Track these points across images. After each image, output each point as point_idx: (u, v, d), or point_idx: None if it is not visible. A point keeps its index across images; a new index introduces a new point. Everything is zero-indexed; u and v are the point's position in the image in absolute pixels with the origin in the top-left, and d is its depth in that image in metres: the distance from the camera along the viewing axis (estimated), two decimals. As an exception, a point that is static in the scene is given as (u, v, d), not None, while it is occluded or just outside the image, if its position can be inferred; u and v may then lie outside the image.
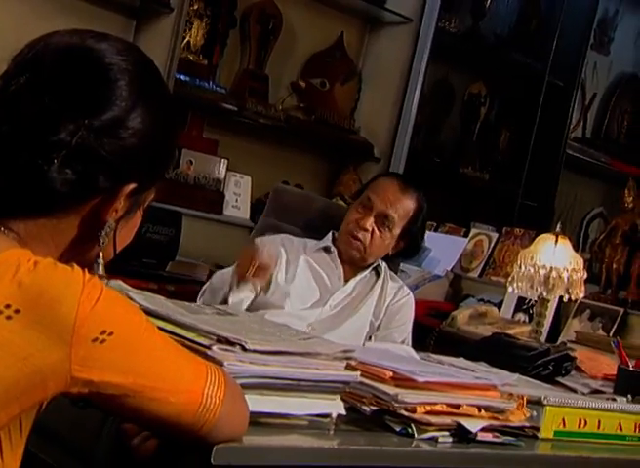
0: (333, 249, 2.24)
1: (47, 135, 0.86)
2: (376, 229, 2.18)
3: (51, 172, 0.86)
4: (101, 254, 0.94)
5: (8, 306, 0.80)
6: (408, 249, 2.28)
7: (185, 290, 2.70)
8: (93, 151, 0.87)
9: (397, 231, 2.21)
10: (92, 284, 0.84)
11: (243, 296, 2.06)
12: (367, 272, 2.25)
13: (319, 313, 2.16)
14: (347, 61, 3.86)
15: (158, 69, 0.97)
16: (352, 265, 2.24)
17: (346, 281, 2.23)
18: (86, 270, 0.86)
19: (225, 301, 2.02)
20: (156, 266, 2.91)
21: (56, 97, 0.87)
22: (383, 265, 2.27)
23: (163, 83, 0.98)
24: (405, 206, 2.21)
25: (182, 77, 3.25)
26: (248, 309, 2.14)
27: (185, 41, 3.32)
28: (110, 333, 0.83)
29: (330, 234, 2.28)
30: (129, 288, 1.26)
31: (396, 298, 2.24)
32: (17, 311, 0.80)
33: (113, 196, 0.91)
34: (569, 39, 4.29)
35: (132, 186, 0.91)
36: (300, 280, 2.18)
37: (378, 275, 2.26)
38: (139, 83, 0.91)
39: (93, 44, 0.90)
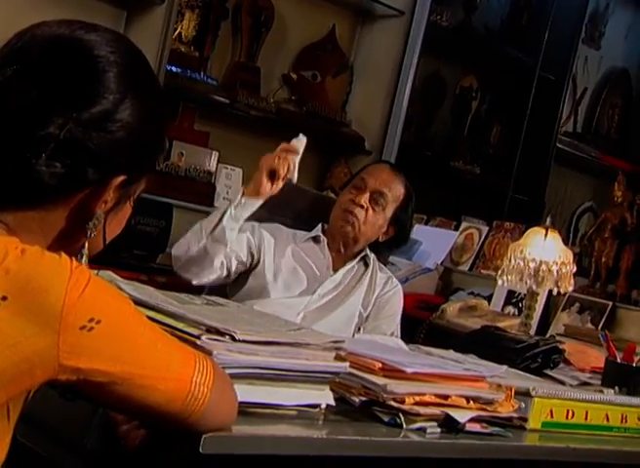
0: (322, 238, 2.25)
1: (35, 128, 0.85)
2: (369, 207, 2.20)
3: (39, 165, 0.86)
4: (86, 245, 0.94)
5: (-5, 294, 0.80)
6: (397, 237, 2.30)
7: (175, 282, 2.69)
8: (81, 144, 0.87)
9: (389, 213, 2.23)
10: (79, 271, 0.84)
11: (238, 225, 2.01)
12: (355, 262, 2.26)
13: (308, 302, 2.17)
14: (339, 54, 3.86)
15: (147, 61, 0.97)
16: (341, 254, 2.24)
17: (335, 271, 2.24)
18: (74, 258, 0.85)
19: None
20: (147, 258, 2.91)
21: (43, 89, 0.86)
22: (372, 256, 2.28)
23: (152, 74, 0.97)
24: (397, 188, 2.25)
25: (174, 69, 3.24)
26: (234, 293, 2.13)
27: (177, 32, 3.31)
28: (98, 321, 0.83)
29: (319, 225, 2.28)
30: (118, 278, 1.25)
31: (385, 289, 2.25)
32: (4, 298, 0.80)
33: (102, 188, 0.91)
34: (560, 33, 4.29)
35: (121, 178, 0.91)
36: (288, 268, 2.18)
37: (366, 266, 2.27)
38: (128, 75, 0.91)
39: (81, 35, 0.90)
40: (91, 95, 0.88)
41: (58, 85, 0.87)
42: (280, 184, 2.01)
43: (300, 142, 2.01)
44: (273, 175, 1.99)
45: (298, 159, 2.00)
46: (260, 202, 2.02)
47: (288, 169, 1.99)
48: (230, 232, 2.00)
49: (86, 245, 0.93)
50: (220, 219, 1.99)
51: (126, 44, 0.94)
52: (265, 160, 2.00)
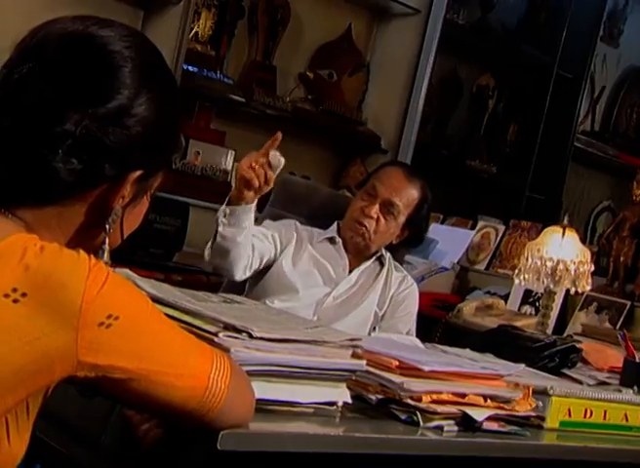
0: (338, 239, 2.24)
1: (51, 125, 0.86)
2: (381, 217, 2.18)
3: (56, 161, 0.86)
4: (107, 241, 0.94)
5: (15, 290, 0.81)
6: (412, 238, 2.28)
7: (192, 280, 2.71)
8: (98, 140, 0.87)
9: (402, 219, 2.21)
10: (98, 268, 0.84)
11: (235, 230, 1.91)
12: (371, 262, 2.25)
13: (323, 304, 2.16)
14: (355, 53, 3.86)
15: (162, 55, 0.97)
16: (357, 255, 2.24)
17: (350, 271, 2.23)
18: (92, 255, 0.86)
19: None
20: (163, 256, 2.92)
21: (59, 86, 0.86)
22: (387, 255, 2.27)
23: (167, 69, 0.97)
24: (410, 194, 2.21)
25: (190, 68, 3.25)
26: (250, 292, 2.14)
27: (193, 32, 3.32)
28: (116, 318, 0.84)
29: (335, 224, 2.28)
30: (136, 276, 1.26)
31: (400, 288, 2.24)
32: (23, 295, 0.81)
33: (119, 183, 0.91)
34: (578, 31, 4.27)
35: (138, 173, 0.91)
36: (304, 270, 2.18)
37: (382, 265, 2.26)
38: (142, 70, 0.91)
39: (95, 31, 0.90)
40: (106, 90, 0.88)
41: (73, 81, 0.87)
42: (262, 192, 1.89)
43: (277, 158, 1.87)
44: (252, 185, 1.85)
45: (275, 172, 1.87)
46: (249, 207, 1.90)
47: (266, 178, 1.85)
48: (239, 237, 1.93)
49: (106, 240, 0.93)
50: (215, 236, 1.93)
51: (140, 39, 0.94)
52: (240, 169, 1.86)
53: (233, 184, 1.91)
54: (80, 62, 0.88)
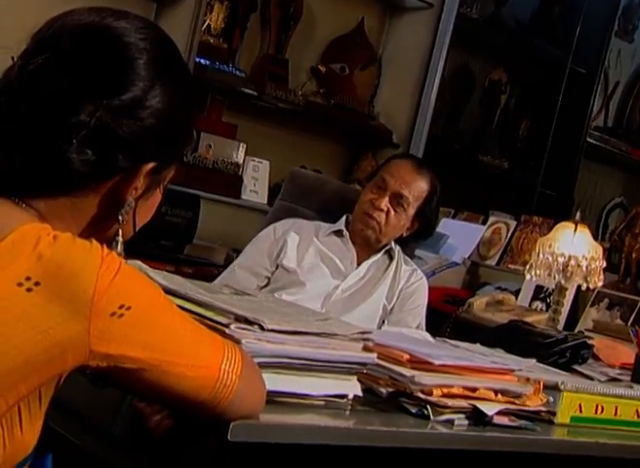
0: (345, 232, 2.24)
1: (66, 115, 0.86)
2: (391, 209, 2.18)
3: (70, 152, 0.86)
4: (120, 232, 0.94)
5: (28, 278, 0.81)
6: (422, 230, 2.28)
7: (203, 272, 2.71)
8: (112, 131, 0.87)
9: (412, 212, 2.20)
10: (110, 258, 0.85)
11: None
12: (380, 255, 2.25)
13: (331, 297, 2.16)
14: (368, 47, 3.85)
15: (177, 47, 0.97)
16: (365, 248, 2.23)
17: (359, 264, 2.23)
18: (104, 245, 0.86)
19: None
20: (174, 249, 2.92)
21: (74, 77, 0.87)
22: (397, 248, 2.27)
23: (182, 61, 0.97)
24: (419, 186, 2.21)
25: (202, 61, 3.25)
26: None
27: (206, 24, 3.32)
28: (128, 308, 0.84)
29: (344, 217, 2.28)
30: (147, 267, 1.26)
31: (409, 282, 2.24)
32: (37, 284, 0.81)
33: (133, 175, 0.91)
34: (592, 26, 4.24)
35: (151, 165, 0.92)
36: (311, 265, 2.18)
37: (391, 258, 2.26)
38: (157, 62, 0.91)
39: (111, 22, 0.90)
40: (121, 82, 0.88)
41: (88, 72, 0.87)
42: None
43: None
44: None
45: None
46: None
47: None
48: None
49: (120, 232, 0.94)
50: None
51: (156, 31, 0.94)
52: None
53: None
54: (95, 54, 0.88)
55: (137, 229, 0.97)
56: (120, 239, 0.94)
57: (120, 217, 0.92)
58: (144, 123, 0.89)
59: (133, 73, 0.89)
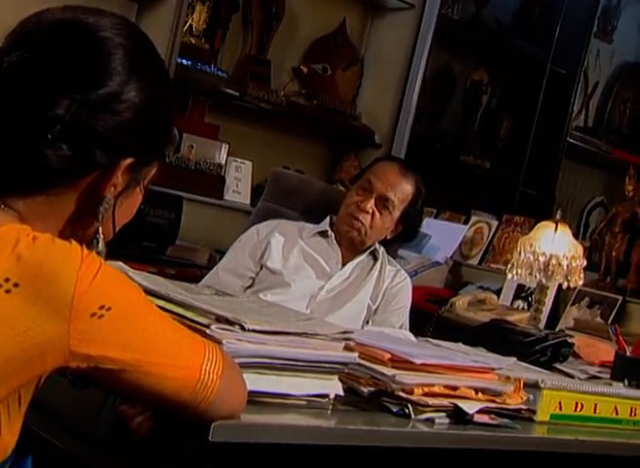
0: (330, 233, 2.24)
1: (41, 111, 0.86)
2: (376, 211, 2.19)
3: (46, 148, 0.86)
4: (101, 230, 0.93)
5: (7, 280, 0.81)
6: (406, 233, 2.29)
7: (185, 274, 2.70)
8: (87, 126, 0.87)
9: (397, 214, 2.21)
10: (90, 259, 0.84)
11: None
12: (364, 256, 2.26)
13: (316, 297, 2.17)
14: (350, 47, 3.85)
15: (153, 44, 0.97)
16: (350, 249, 2.24)
17: (344, 265, 2.23)
18: (84, 246, 0.86)
19: None
20: (156, 250, 2.91)
21: (48, 72, 0.86)
22: (381, 249, 2.28)
23: (158, 57, 0.97)
24: (405, 189, 2.22)
25: (184, 61, 3.24)
26: None
27: (187, 25, 3.31)
28: (108, 308, 0.84)
29: (328, 218, 2.28)
30: (128, 268, 1.26)
31: (394, 282, 2.25)
32: (16, 285, 0.81)
33: (111, 171, 0.90)
34: (572, 27, 4.27)
35: (129, 161, 0.91)
36: (296, 265, 2.18)
37: (375, 259, 2.27)
38: (133, 57, 0.91)
39: (86, 18, 0.90)
40: (96, 76, 0.88)
41: (62, 67, 0.87)
42: None
43: None
44: None
45: None
46: None
47: None
48: None
49: (100, 229, 0.93)
50: None
51: (131, 27, 0.94)
52: None
53: None
54: (70, 48, 0.88)
55: (117, 228, 0.96)
56: (101, 236, 0.94)
57: (99, 215, 0.92)
58: (121, 117, 0.89)
59: (108, 68, 0.89)
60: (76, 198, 0.90)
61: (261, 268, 2.17)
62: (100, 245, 0.93)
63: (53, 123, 0.86)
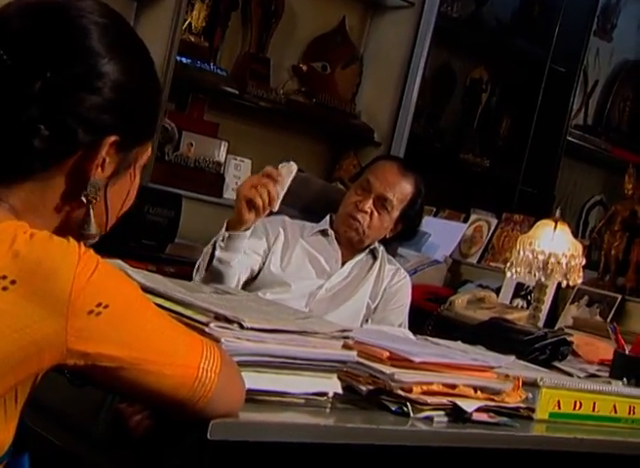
0: (330, 232, 2.24)
1: (16, 93, 0.85)
2: (375, 211, 2.18)
3: (23, 130, 0.86)
4: (91, 213, 0.92)
5: (4, 277, 0.80)
6: (405, 232, 2.29)
7: (184, 272, 2.69)
8: (63, 105, 0.87)
9: (396, 214, 2.21)
10: (87, 256, 0.84)
11: (232, 256, 1.85)
12: (364, 255, 2.25)
13: (316, 296, 2.17)
14: (349, 45, 3.85)
15: (129, 23, 0.97)
16: (349, 248, 2.24)
17: (343, 263, 2.23)
18: (82, 243, 0.85)
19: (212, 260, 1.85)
20: (155, 248, 2.91)
21: (24, 53, 0.86)
22: (380, 248, 2.28)
23: (135, 35, 0.97)
24: (404, 189, 2.21)
25: (183, 59, 3.24)
26: (243, 286, 2.13)
27: (187, 23, 3.30)
28: (106, 306, 0.84)
29: (327, 217, 2.28)
30: (127, 266, 1.26)
31: (393, 281, 2.25)
32: (13, 282, 0.80)
33: (95, 150, 0.90)
34: (571, 25, 4.27)
35: (113, 138, 0.90)
36: (296, 264, 2.18)
37: (374, 258, 2.27)
38: (109, 35, 0.91)
39: (62, 1, 0.90)
40: (73, 55, 0.88)
41: (38, 47, 0.87)
42: (262, 214, 1.80)
43: (288, 169, 1.78)
44: (253, 205, 1.77)
45: (284, 187, 1.77)
46: (247, 233, 1.85)
47: (269, 198, 1.76)
48: (234, 261, 1.87)
49: (90, 212, 0.92)
50: (211, 260, 1.85)
51: (106, 7, 0.94)
52: (242, 188, 1.79)
53: (235, 209, 1.83)
54: (44, 29, 0.88)
55: (114, 213, 0.96)
56: (92, 219, 0.92)
57: (84, 197, 0.90)
58: (101, 94, 0.89)
59: (84, 46, 0.89)
60: (64, 180, 0.90)
61: (264, 264, 2.16)
62: (93, 228, 0.92)
63: (26, 105, 0.85)
